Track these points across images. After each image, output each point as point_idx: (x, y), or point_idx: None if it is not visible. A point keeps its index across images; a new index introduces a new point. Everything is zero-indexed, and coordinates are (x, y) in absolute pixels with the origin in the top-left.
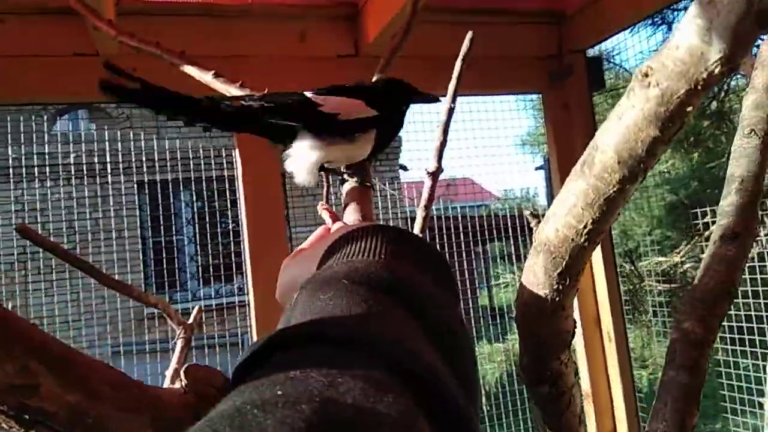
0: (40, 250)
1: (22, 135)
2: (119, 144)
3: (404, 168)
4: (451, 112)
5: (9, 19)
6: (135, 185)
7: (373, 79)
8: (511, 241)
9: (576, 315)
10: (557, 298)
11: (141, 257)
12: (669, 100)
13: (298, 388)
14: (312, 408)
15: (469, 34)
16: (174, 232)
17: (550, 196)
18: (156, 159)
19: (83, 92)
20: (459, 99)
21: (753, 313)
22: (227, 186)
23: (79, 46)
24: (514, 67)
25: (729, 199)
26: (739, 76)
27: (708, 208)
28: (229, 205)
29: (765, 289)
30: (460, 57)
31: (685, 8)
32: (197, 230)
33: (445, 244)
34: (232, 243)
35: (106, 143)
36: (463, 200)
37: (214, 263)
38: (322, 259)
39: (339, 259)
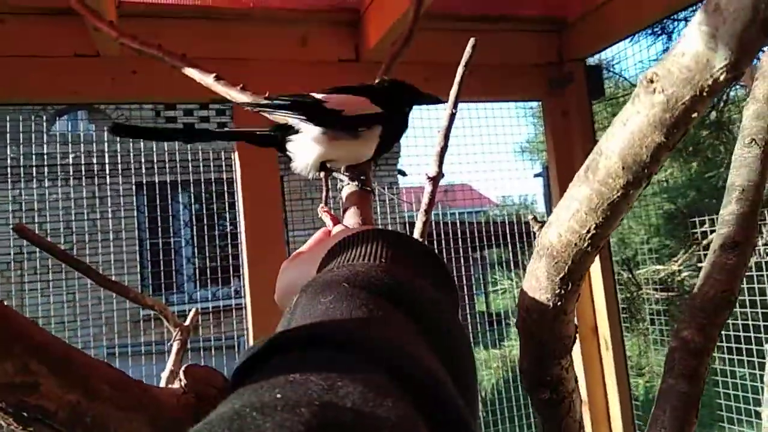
0: (37, 250)
1: (20, 135)
2: (118, 145)
3: (402, 173)
4: (452, 117)
5: (9, 19)
6: (133, 186)
7: (376, 81)
8: (509, 248)
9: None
10: (559, 303)
11: (138, 259)
12: (674, 106)
13: (298, 392)
14: (311, 411)
15: (472, 41)
16: (171, 234)
17: (549, 204)
18: (154, 161)
19: (83, 93)
20: (458, 105)
21: (750, 322)
22: (225, 189)
23: (80, 47)
24: (515, 74)
25: (729, 208)
26: (738, 86)
27: (706, 217)
28: (227, 208)
29: (762, 299)
30: (463, 63)
31: (686, 18)
32: (195, 232)
33: (443, 250)
34: (229, 246)
35: (105, 144)
36: (461, 206)
37: (212, 266)
38: (323, 263)
39: (340, 263)
